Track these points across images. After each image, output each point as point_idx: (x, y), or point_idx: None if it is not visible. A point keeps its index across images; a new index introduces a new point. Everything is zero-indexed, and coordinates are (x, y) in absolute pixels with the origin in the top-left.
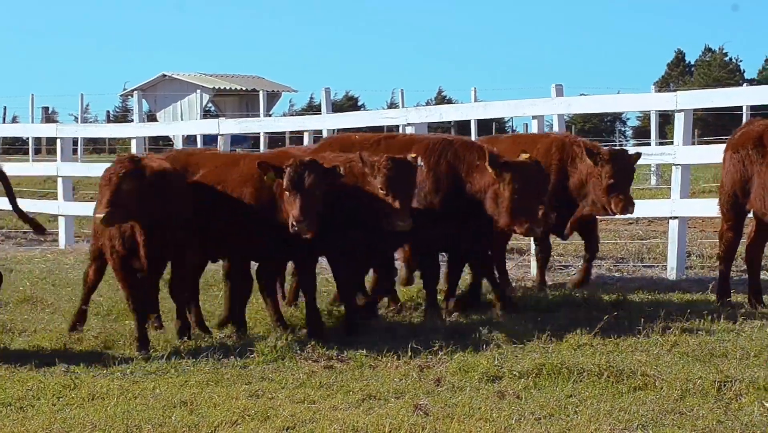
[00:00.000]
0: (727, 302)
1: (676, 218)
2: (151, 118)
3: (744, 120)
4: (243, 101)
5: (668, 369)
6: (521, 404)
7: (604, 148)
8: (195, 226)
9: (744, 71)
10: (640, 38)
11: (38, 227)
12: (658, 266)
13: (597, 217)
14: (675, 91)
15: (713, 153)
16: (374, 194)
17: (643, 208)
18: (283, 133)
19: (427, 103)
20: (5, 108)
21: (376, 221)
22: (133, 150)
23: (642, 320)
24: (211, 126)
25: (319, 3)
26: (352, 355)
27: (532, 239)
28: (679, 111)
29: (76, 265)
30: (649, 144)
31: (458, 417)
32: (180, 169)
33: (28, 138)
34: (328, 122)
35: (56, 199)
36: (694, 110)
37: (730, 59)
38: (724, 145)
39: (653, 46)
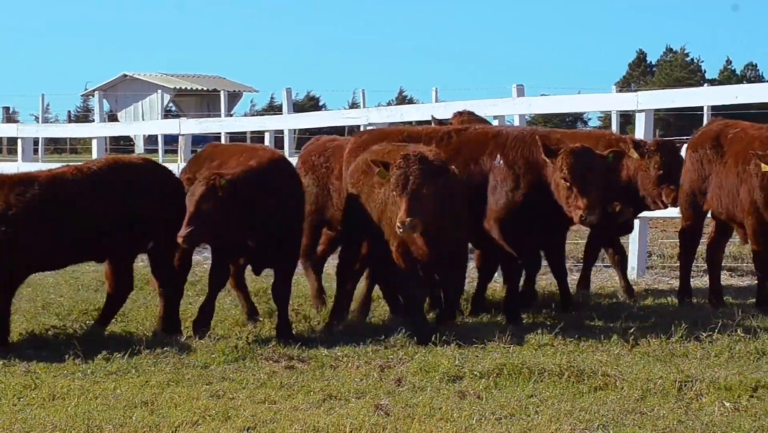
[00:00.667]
0: (687, 302)
1: (637, 217)
2: (113, 118)
3: (705, 120)
4: (204, 101)
5: (629, 369)
6: (482, 404)
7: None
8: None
9: (705, 72)
10: (602, 38)
11: None
12: None
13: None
14: (636, 91)
15: None
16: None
17: None
18: (245, 133)
19: (389, 104)
20: None
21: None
22: (94, 151)
23: (603, 320)
24: (172, 126)
25: (279, 3)
26: (313, 355)
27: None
28: (640, 111)
29: None
30: None
31: (419, 417)
32: None
33: None
34: (290, 122)
35: None
36: (655, 110)
37: (692, 60)
38: (686, 146)
39: (615, 46)
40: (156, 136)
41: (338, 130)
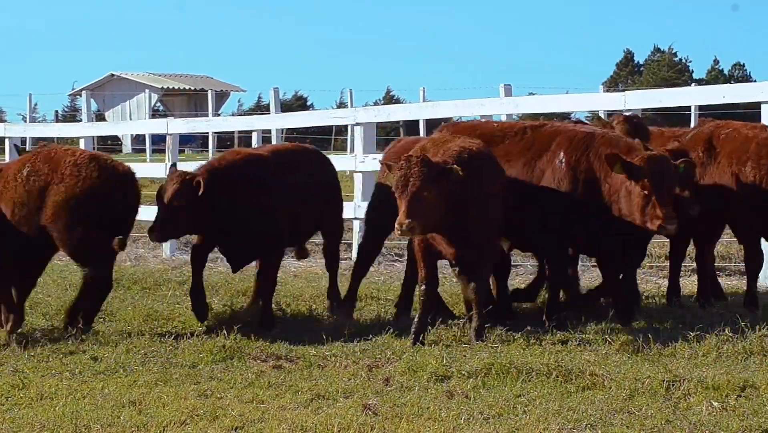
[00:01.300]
0: (676, 301)
1: None
2: (100, 117)
3: (692, 120)
4: (192, 101)
5: (617, 369)
6: (470, 404)
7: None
8: None
9: (693, 71)
10: (589, 38)
11: None
12: None
13: None
14: (624, 90)
15: None
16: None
17: None
18: (232, 132)
19: (376, 103)
20: None
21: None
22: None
23: (591, 319)
24: (159, 126)
25: (267, 3)
26: (301, 354)
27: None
28: (628, 111)
29: None
30: None
31: (407, 417)
32: None
33: None
34: (278, 122)
35: None
36: (643, 110)
37: (679, 59)
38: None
39: (602, 46)
40: (144, 135)
41: (325, 130)
